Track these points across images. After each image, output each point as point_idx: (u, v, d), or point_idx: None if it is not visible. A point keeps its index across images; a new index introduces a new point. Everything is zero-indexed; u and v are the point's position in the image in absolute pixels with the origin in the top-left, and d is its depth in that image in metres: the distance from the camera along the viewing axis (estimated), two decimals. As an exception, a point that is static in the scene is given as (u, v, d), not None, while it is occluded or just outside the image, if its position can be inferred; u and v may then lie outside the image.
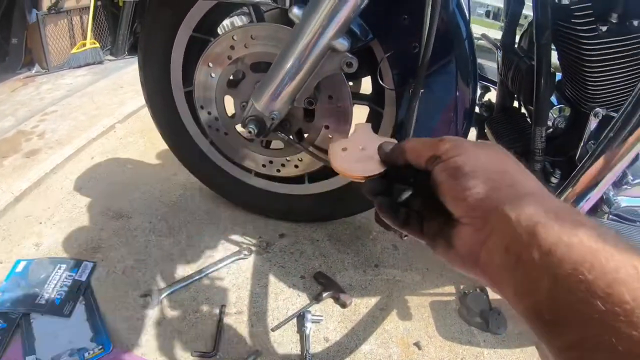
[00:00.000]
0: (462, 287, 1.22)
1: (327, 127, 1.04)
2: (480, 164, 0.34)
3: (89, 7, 2.72)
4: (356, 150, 0.46)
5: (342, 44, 0.85)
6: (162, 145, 1.38)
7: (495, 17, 3.41)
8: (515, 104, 1.31)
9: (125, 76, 2.51)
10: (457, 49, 0.98)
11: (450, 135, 0.37)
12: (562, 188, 0.92)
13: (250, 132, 0.94)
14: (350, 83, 1.10)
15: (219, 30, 1.14)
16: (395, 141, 0.44)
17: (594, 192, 0.89)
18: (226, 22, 1.15)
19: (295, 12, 0.86)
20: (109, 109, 2.06)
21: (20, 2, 2.58)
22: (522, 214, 0.29)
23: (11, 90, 2.41)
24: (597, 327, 0.24)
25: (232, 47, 0.99)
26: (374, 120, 1.08)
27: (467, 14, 1.01)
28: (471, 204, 0.33)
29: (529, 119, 1.23)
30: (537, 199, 0.31)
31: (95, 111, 2.04)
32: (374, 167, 0.42)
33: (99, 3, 2.78)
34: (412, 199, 0.42)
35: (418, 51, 0.88)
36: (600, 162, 0.84)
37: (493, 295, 1.18)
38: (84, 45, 2.72)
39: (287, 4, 0.90)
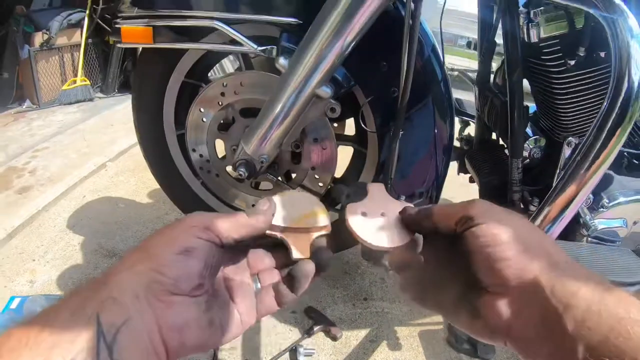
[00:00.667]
0: (449, 315, 1.25)
1: (313, 168, 1.09)
2: (517, 233, 0.32)
3: (80, 45, 2.78)
4: (377, 216, 0.41)
5: (326, 91, 0.91)
6: (154, 185, 1.41)
7: (477, 47, 3.54)
8: (494, 136, 1.38)
9: (116, 114, 2.57)
10: (434, 90, 1.04)
11: (478, 199, 0.36)
12: (535, 213, 0.95)
13: (240, 174, 0.99)
14: (335, 125, 1.16)
15: (209, 76, 1.20)
16: (412, 205, 0.42)
17: (565, 215, 0.91)
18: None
19: (282, 62, 0.92)
20: (100, 147, 2.10)
21: (13, 37, 2.64)
22: (557, 285, 0.30)
23: (2, 125, 2.44)
24: None
25: (222, 94, 1.05)
26: (358, 160, 1.14)
27: (441, 57, 1.09)
28: (508, 275, 0.31)
29: (506, 151, 1.29)
30: (568, 269, 0.31)
31: (87, 149, 2.08)
32: (402, 237, 0.39)
33: (90, 41, 2.85)
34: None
35: (397, 95, 0.94)
36: (569, 187, 0.87)
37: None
38: (75, 82, 2.78)
39: (274, 54, 0.96)
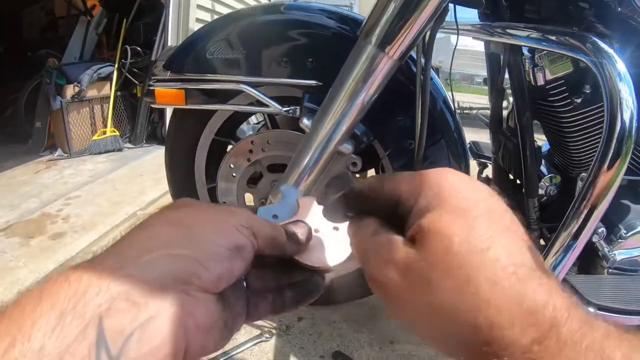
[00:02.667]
0: (475, 357, 1.26)
1: (337, 219, 1.14)
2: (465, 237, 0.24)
3: (109, 97, 2.94)
4: (329, 231, 0.35)
5: (347, 147, 0.98)
6: (185, 234, 1.47)
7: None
8: (511, 176, 1.41)
9: (145, 164, 2.67)
10: (447, 139, 1.10)
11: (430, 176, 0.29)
12: (548, 246, 0.96)
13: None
14: (357, 176, 1.22)
15: (238, 133, 1.29)
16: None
17: (576, 246, 0.92)
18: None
19: (305, 122, 1.00)
20: (130, 196, 2.19)
21: (45, 89, 2.80)
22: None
23: (35, 172, 2.55)
24: None
25: (250, 151, 1.13)
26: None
27: (453, 108, 1.15)
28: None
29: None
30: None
31: (118, 198, 2.17)
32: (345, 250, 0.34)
33: (119, 93, 3.01)
34: None
35: (414, 147, 1.01)
36: (578, 219, 0.89)
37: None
38: (105, 132, 2.91)
39: (298, 114, 1.04)
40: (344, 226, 0.34)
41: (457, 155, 1.12)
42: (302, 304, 0.34)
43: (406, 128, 1.05)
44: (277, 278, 0.34)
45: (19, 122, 3.06)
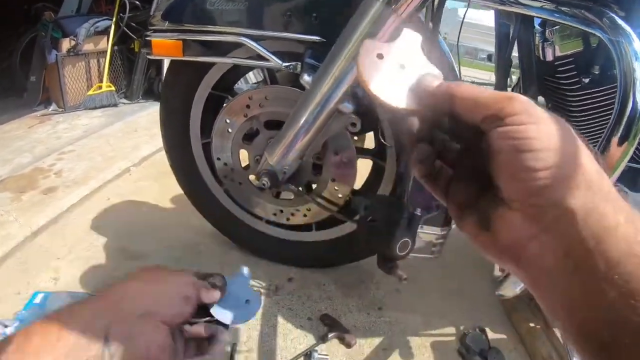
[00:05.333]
0: (462, 327, 1.27)
1: (333, 180, 1.13)
2: (556, 144, 0.26)
3: (106, 52, 2.86)
4: (394, 65, 0.33)
5: (347, 107, 0.95)
6: (177, 190, 1.45)
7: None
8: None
9: (140, 120, 2.62)
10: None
11: (517, 95, 0.28)
12: None
13: (263, 184, 1.03)
14: (355, 138, 1.20)
15: (235, 89, 1.26)
16: (440, 75, 0.33)
17: None
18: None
19: (306, 78, 0.97)
20: (124, 151, 2.15)
21: (41, 42, 2.72)
22: (593, 215, 0.25)
23: (28, 127, 2.50)
24: None
25: (247, 106, 1.10)
26: (377, 172, 1.17)
27: (458, 74, 1.11)
28: (533, 189, 0.26)
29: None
30: (610, 201, 0.26)
31: (111, 153, 2.13)
32: (411, 101, 0.32)
33: (116, 48, 2.93)
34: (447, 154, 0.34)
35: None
36: None
37: (492, 334, 1.24)
38: (100, 87, 2.85)
39: (298, 70, 1.01)
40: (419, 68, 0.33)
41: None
42: (211, 351, 0.51)
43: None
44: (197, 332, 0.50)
45: (15, 75, 2.99)
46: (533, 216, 0.27)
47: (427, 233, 1.07)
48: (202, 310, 0.51)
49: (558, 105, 1.06)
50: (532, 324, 1.23)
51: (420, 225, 1.01)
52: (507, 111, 0.27)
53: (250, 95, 1.09)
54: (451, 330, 1.27)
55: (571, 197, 0.26)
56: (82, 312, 0.41)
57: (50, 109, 2.79)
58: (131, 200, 1.79)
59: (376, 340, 1.21)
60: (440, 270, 1.47)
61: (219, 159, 1.20)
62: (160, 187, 1.88)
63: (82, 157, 2.12)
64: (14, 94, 2.92)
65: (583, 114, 1.01)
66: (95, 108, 2.82)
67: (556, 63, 1.00)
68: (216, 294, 0.50)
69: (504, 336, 1.26)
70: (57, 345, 0.36)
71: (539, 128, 0.26)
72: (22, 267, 1.38)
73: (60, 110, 2.78)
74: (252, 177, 1.19)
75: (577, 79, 0.98)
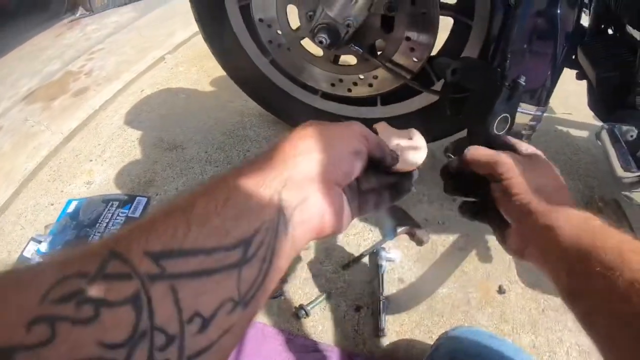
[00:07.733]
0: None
1: (408, 39, 0.88)
2: (528, 187, 0.44)
3: (129, -61, 2.57)
4: (406, 141, 0.48)
5: None
6: (216, 73, 1.28)
7: None
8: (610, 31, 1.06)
9: (175, 6, 2.37)
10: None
11: (504, 156, 0.46)
12: None
13: (321, 42, 0.81)
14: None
15: None
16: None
17: None
18: None
19: None
20: (157, 40, 1.98)
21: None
22: (542, 218, 0.41)
23: (56, 35, 2.35)
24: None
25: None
26: (459, 33, 0.91)
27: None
28: (517, 217, 0.45)
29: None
30: (559, 210, 0.41)
31: (144, 44, 1.97)
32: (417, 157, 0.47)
33: None
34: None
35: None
36: None
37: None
38: (127, -20, 2.61)
39: None
40: (414, 134, 0.48)
41: None
42: (397, 200, 0.47)
43: None
44: (378, 182, 0.46)
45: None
46: (523, 234, 0.45)
47: (521, 112, 0.86)
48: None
49: None
50: None
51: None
52: (499, 170, 0.45)
53: None
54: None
55: (540, 218, 0.42)
56: (252, 177, 0.33)
57: (77, 14, 2.61)
58: (167, 88, 1.64)
59: (450, 238, 1.05)
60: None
61: (261, 20, 0.97)
62: (199, 71, 1.72)
63: (113, 52, 1.97)
64: (39, 8, 2.74)
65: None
66: (124, 4, 2.61)
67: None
68: (381, 143, 0.45)
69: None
70: (226, 207, 0.30)
71: (517, 180, 0.44)
72: (55, 175, 1.31)
73: (88, 13, 2.60)
74: (304, 41, 0.97)
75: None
